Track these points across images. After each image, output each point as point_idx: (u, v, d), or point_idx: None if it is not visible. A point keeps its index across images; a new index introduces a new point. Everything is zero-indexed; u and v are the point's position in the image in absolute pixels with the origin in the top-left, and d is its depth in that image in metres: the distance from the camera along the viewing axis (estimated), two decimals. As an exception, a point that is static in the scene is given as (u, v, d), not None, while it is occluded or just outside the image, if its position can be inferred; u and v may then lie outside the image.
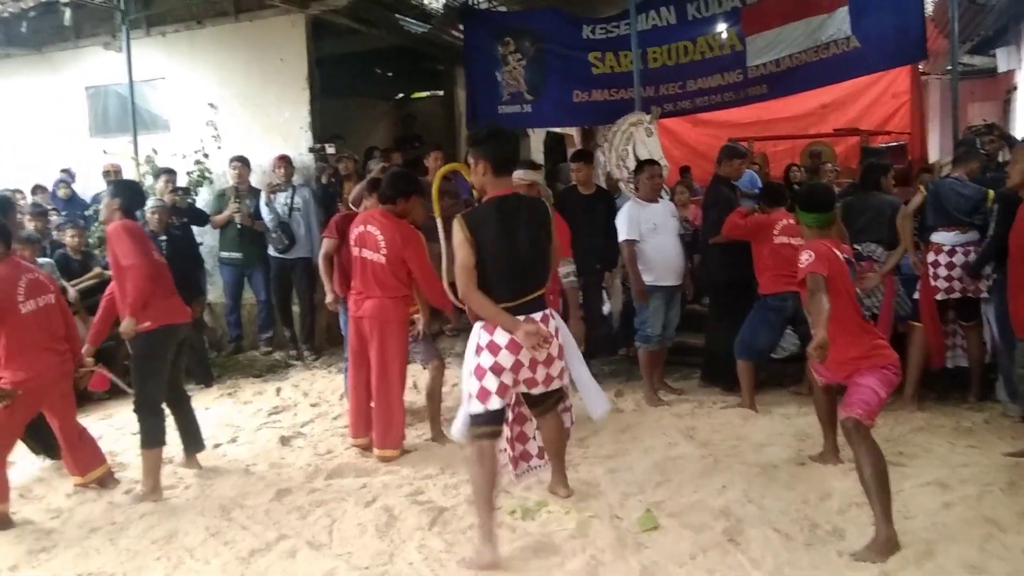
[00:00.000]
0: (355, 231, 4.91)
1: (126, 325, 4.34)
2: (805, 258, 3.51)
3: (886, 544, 3.28)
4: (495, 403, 3.43)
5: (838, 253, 3.61)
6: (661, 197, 6.02)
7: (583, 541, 3.56)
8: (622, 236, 5.72)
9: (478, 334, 3.49)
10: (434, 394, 5.15)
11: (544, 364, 3.50)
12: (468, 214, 3.47)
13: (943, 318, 5.45)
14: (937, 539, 3.36)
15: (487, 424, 3.46)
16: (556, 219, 5.19)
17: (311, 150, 7.93)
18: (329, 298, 5.53)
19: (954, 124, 7.08)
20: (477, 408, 3.46)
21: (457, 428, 3.64)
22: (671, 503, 3.95)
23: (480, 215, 3.44)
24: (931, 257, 5.34)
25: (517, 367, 3.43)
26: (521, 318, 3.38)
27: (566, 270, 5.04)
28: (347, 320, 5.30)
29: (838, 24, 7.40)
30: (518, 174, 4.79)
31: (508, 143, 3.60)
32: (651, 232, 5.69)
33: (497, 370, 3.41)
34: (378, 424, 4.84)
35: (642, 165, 6.01)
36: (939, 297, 5.34)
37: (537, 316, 3.42)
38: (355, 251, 4.88)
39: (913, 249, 5.40)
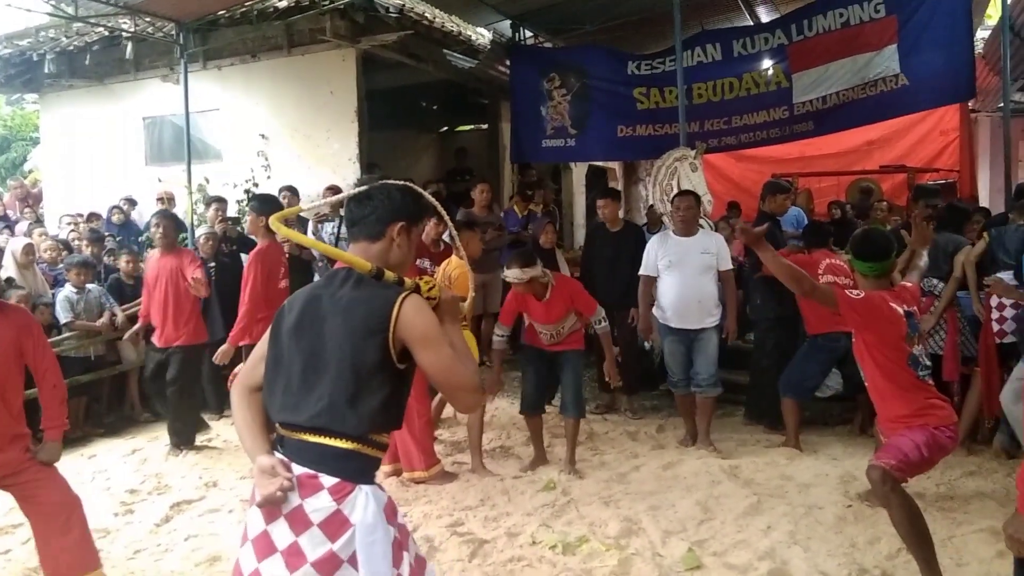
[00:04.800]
0: None
1: None
2: (856, 294, 3.38)
3: (936, 592, 3.19)
4: None
5: (895, 307, 3.34)
6: (701, 230, 5.79)
7: (625, 578, 3.52)
8: (640, 270, 5.64)
9: None
10: (473, 425, 5.16)
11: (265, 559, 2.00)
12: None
13: (1006, 365, 5.19)
14: (992, 588, 3.26)
15: None
16: (562, 281, 5.13)
17: (359, 182, 8.07)
18: None
19: (1006, 162, 6.96)
20: None
21: None
22: (714, 542, 3.89)
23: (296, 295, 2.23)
24: (994, 301, 5.14)
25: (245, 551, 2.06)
26: (268, 461, 2.01)
27: (597, 318, 5.04)
28: None
29: (886, 61, 7.37)
30: (512, 274, 4.82)
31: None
32: (666, 268, 5.47)
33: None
34: (399, 449, 4.92)
35: (674, 198, 5.84)
36: (1005, 341, 5.11)
37: (298, 471, 2.00)
38: None
39: (976, 294, 5.27)
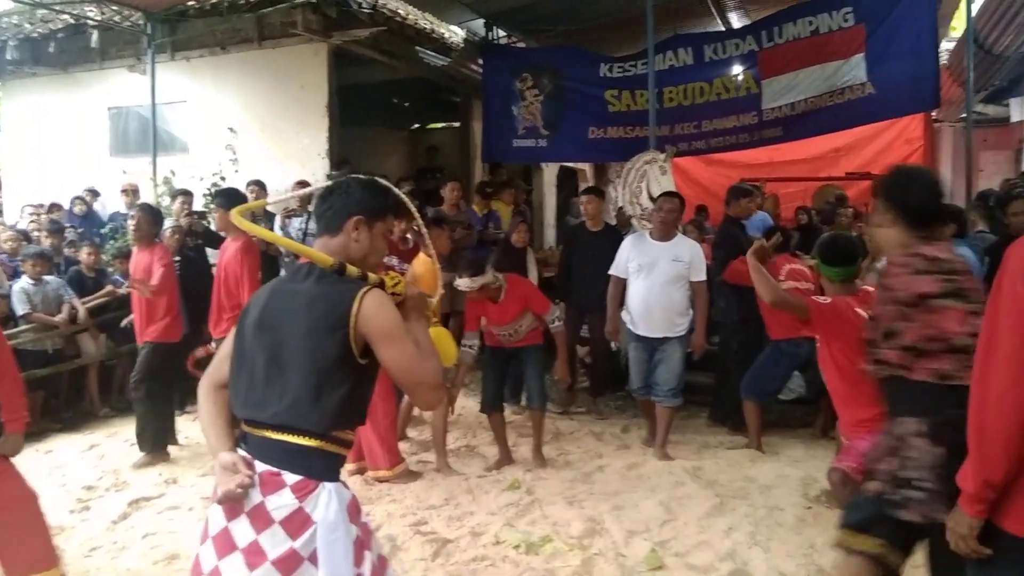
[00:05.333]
0: None
1: None
2: (822, 299, 3.43)
3: (893, 594, 3.24)
4: None
5: (860, 312, 3.30)
6: (678, 235, 5.57)
7: (587, 578, 3.53)
8: (611, 270, 5.51)
9: None
10: (437, 424, 5.15)
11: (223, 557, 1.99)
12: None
13: None
14: (946, 590, 3.31)
15: None
16: (515, 281, 5.06)
17: (329, 177, 8.00)
18: None
19: (968, 172, 7.11)
20: None
21: None
22: (676, 543, 3.91)
23: (260, 290, 2.23)
24: None
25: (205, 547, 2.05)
26: (229, 457, 1.98)
27: (550, 317, 5.06)
28: None
29: (854, 70, 7.47)
30: (463, 283, 4.81)
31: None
32: (635, 272, 5.33)
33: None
34: (364, 447, 4.91)
35: (658, 198, 5.70)
36: None
37: (260, 468, 1.98)
38: None
39: None
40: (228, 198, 5.57)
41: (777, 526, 4.09)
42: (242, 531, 1.96)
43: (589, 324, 6.49)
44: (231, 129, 8.36)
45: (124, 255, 7.02)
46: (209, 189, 8.12)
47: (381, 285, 2.12)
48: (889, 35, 7.36)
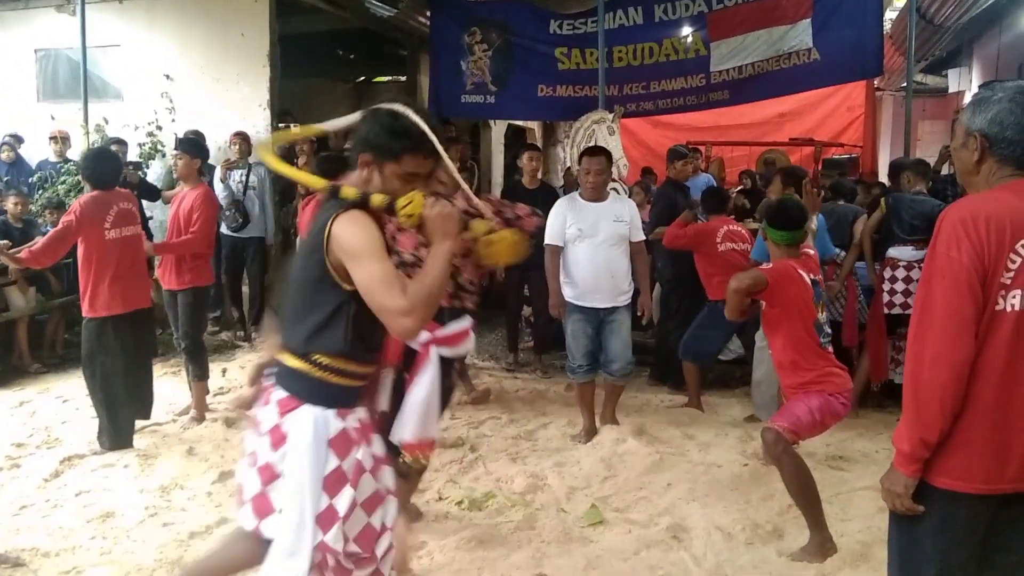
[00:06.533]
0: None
1: None
2: (766, 266, 3.50)
3: (821, 547, 3.36)
4: None
5: (803, 274, 3.47)
6: (615, 194, 5.35)
7: (529, 533, 3.58)
8: (545, 239, 4.82)
9: None
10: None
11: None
12: None
13: (898, 332, 5.43)
14: (872, 542, 3.44)
15: None
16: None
17: (276, 127, 7.78)
18: None
19: (906, 140, 7.26)
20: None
21: None
22: (616, 499, 3.99)
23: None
24: (887, 272, 5.34)
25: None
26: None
27: None
28: None
29: (800, 35, 7.52)
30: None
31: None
32: (575, 238, 4.75)
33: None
34: None
35: (581, 156, 5.01)
36: (894, 312, 5.32)
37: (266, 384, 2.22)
38: None
39: (872, 264, 5.50)
40: (194, 146, 5.48)
41: (715, 482, 4.19)
42: (250, 438, 2.20)
43: (529, 283, 6.46)
44: (167, 76, 8.04)
45: (55, 206, 6.74)
46: (147, 139, 7.84)
47: (362, 205, 2.03)
48: (835, 2, 7.43)
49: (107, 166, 4.82)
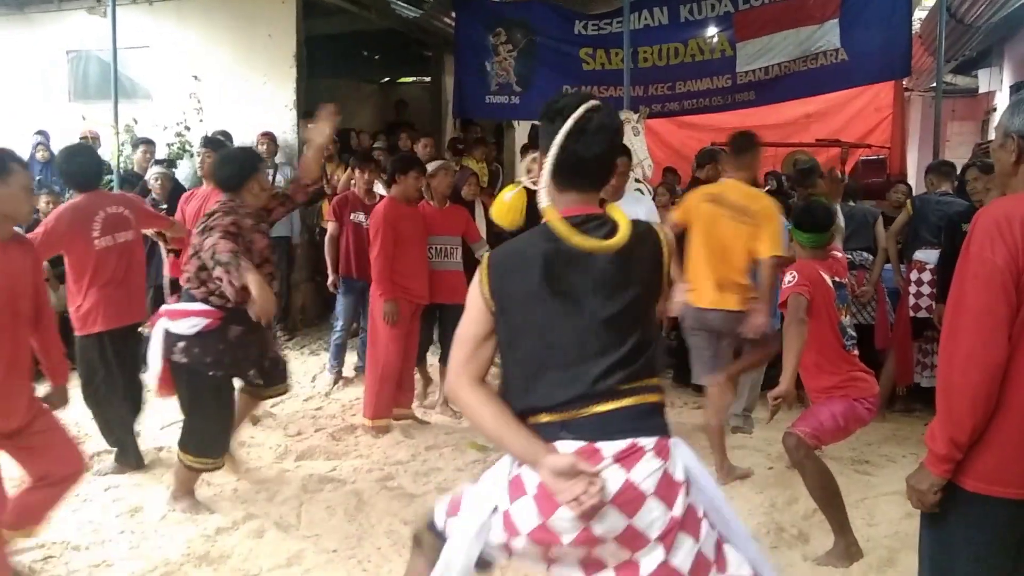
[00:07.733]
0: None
1: None
2: (788, 279, 3.43)
3: (846, 551, 3.33)
4: None
5: (826, 277, 3.45)
6: (638, 195, 5.42)
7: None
8: None
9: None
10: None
11: (630, 547, 1.80)
12: (497, 252, 1.97)
13: (924, 335, 5.38)
14: (900, 547, 3.41)
15: None
16: (455, 210, 5.19)
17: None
18: (331, 279, 5.92)
19: (935, 142, 7.17)
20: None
21: None
22: (640, 500, 3.96)
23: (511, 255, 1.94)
24: (913, 275, 5.29)
25: (585, 541, 1.79)
26: (563, 447, 1.78)
27: (482, 252, 5.09)
28: (346, 301, 5.92)
29: (827, 35, 7.47)
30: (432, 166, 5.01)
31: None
32: None
33: (542, 539, 1.81)
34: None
35: None
36: (920, 315, 5.26)
37: (619, 445, 1.80)
38: None
39: (897, 267, 5.45)
40: (221, 145, 5.60)
41: (740, 485, 4.17)
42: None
43: None
44: (195, 77, 8.14)
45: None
46: (175, 139, 7.94)
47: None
48: (863, 2, 7.36)
49: (78, 162, 4.23)
